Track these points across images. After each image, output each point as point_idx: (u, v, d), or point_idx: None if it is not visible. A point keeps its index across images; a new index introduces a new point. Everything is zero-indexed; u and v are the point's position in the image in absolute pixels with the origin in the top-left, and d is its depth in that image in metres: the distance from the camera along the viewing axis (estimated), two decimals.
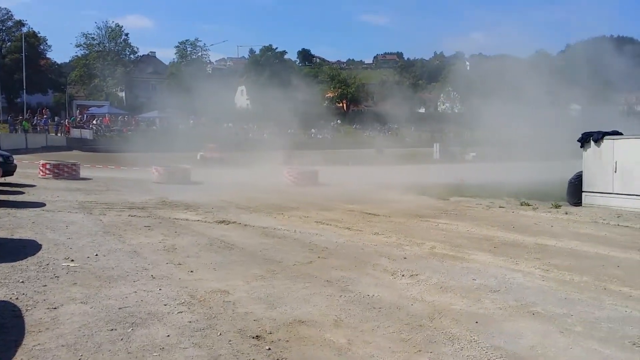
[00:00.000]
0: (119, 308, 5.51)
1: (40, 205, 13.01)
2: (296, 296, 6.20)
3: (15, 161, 18.21)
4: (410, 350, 4.71)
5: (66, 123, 49.21)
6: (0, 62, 58.96)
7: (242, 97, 75.57)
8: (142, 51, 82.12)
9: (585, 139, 15.33)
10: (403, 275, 7.30)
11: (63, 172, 21.06)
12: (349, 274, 7.33)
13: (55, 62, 70.25)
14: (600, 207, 14.64)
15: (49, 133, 45.96)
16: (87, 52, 68.48)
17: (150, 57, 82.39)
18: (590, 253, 9.15)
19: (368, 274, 7.41)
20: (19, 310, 5.35)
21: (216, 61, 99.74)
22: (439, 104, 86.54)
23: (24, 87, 52.96)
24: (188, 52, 75.03)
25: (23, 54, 53.59)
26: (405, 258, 8.45)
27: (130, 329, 4.93)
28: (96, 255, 7.90)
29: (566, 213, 13.94)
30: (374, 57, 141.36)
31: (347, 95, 78.64)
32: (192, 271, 7.20)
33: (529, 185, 18.44)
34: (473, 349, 4.77)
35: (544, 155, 26.54)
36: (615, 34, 78.51)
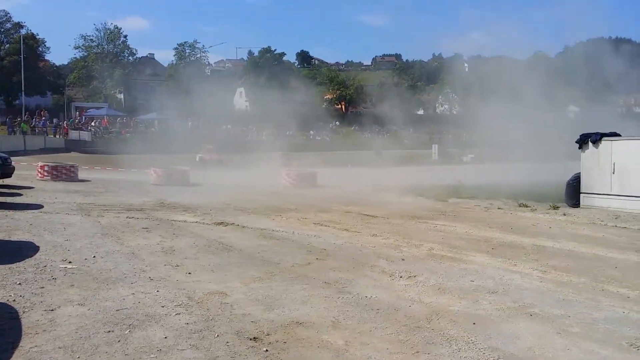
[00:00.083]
0: (117, 310, 5.50)
1: (38, 207, 13.00)
2: (294, 298, 6.20)
3: (13, 163, 18.18)
4: (408, 352, 4.71)
5: (64, 125, 49.14)
6: None
7: (240, 99, 75.56)
8: (141, 53, 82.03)
9: (584, 141, 15.35)
10: (401, 277, 7.30)
11: (61, 173, 21.03)
12: (346, 275, 7.32)
13: (53, 64, 70.34)
14: (598, 208, 14.66)
15: (47, 135, 45.94)
16: (85, 54, 68.48)
17: (149, 59, 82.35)
18: (588, 254, 9.16)
19: (366, 275, 7.41)
20: (16, 312, 5.34)
21: (215, 63, 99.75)
22: (437, 105, 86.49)
23: (23, 89, 52.92)
24: (187, 53, 74.98)
25: (22, 56, 53.51)
26: (403, 259, 8.45)
27: (127, 331, 4.92)
28: (94, 257, 7.89)
29: (564, 214, 13.95)
30: (373, 59, 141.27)
31: (346, 96, 78.61)
32: (189, 273, 7.20)
33: (527, 186, 18.44)
34: (471, 350, 4.77)
35: (542, 156, 26.55)
36: (613, 35, 78.53)
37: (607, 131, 15.15)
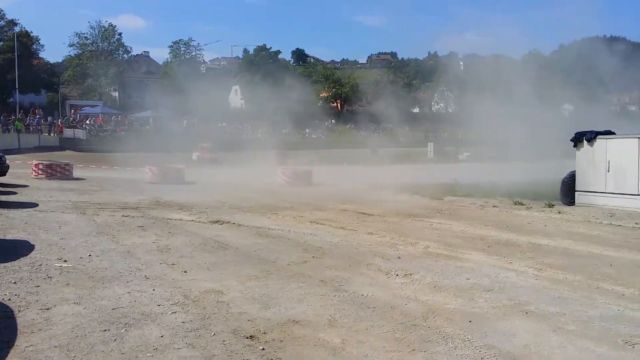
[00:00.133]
0: (112, 309, 5.49)
1: (33, 205, 12.96)
2: (290, 296, 6.20)
3: (7, 161, 18.11)
4: (404, 350, 4.72)
5: (59, 123, 48.94)
6: None
7: (236, 97, 75.48)
8: (136, 51, 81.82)
9: (578, 139, 15.39)
10: (397, 275, 7.31)
11: (56, 172, 20.98)
12: (343, 273, 7.33)
13: (48, 61, 69.90)
14: (593, 206, 14.71)
15: (41, 133, 45.72)
16: (80, 51, 68.18)
17: (144, 57, 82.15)
18: (583, 252, 9.18)
19: (362, 273, 7.42)
20: (11, 311, 5.32)
21: (210, 61, 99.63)
22: (433, 103, 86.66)
23: (17, 87, 52.66)
24: (182, 51, 74.83)
25: (15, 54, 53.21)
26: (399, 257, 8.46)
27: (123, 330, 4.91)
28: (89, 255, 7.87)
29: (559, 212, 14.00)
30: (368, 57, 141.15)
31: (341, 95, 78.65)
32: (185, 271, 7.19)
33: (523, 184, 18.48)
34: (467, 348, 4.77)
35: (538, 154, 26.63)
36: (607, 34, 78.80)
37: (602, 129, 15.20)
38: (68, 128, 47.87)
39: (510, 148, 29.18)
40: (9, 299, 5.66)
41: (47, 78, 65.16)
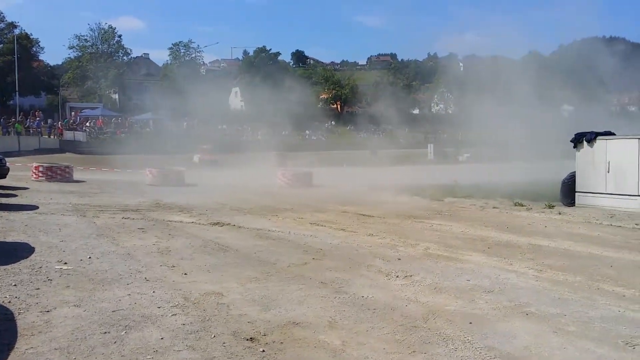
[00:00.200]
0: (113, 311, 5.48)
1: (33, 207, 12.96)
2: (290, 298, 6.20)
3: (7, 164, 18.12)
4: (404, 351, 4.71)
5: (59, 125, 48.91)
6: None
7: (236, 99, 75.51)
8: (136, 53, 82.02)
9: (578, 140, 15.38)
10: (397, 276, 7.31)
11: (56, 174, 20.96)
12: (343, 275, 7.32)
13: (48, 64, 70.10)
14: (593, 207, 14.70)
15: (41, 135, 45.69)
16: (80, 54, 68.35)
17: (144, 59, 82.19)
18: (583, 253, 9.18)
19: (362, 275, 7.41)
20: (12, 313, 5.31)
21: (210, 63, 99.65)
22: (432, 104, 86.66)
23: (17, 89, 52.73)
24: (181, 53, 74.97)
25: (15, 56, 53.27)
26: (399, 259, 8.46)
27: (123, 332, 4.91)
28: (89, 257, 7.87)
29: (559, 213, 13.99)
30: (368, 58, 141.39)
31: (341, 96, 78.68)
32: (185, 273, 7.18)
33: (523, 185, 18.47)
34: (467, 349, 4.77)
35: (537, 155, 26.62)
36: (607, 35, 78.83)
37: (601, 130, 15.19)
38: (68, 130, 47.85)
39: (510, 149, 29.19)
40: (9, 302, 5.66)
41: (47, 80, 65.26)
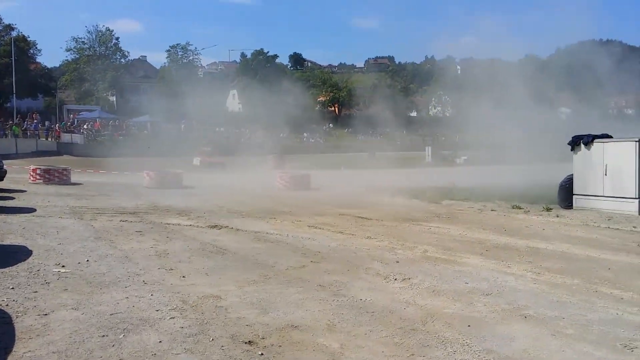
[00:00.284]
0: (111, 314, 5.47)
1: (31, 210, 12.92)
2: (289, 301, 6.19)
3: (5, 166, 18.07)
4: (403, 355, 4.71)
5: (57, 128, 48.81)
6: None
7: (234, 101, 75.50)
8: (133, 55, 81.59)
9: (576, 142, 15.41)
10: (395, 279, 7.31)
11: (54, 177, 20.93)
12: (341, 278, 7.32)
13: (45, 66, 69.76)
14: (591, 210, 14.72)
15: (39, 138, 45.60)
16: (77, 56, 68.19)
17: (141, 61, 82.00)
18: (581, 256, 9.20)
19: (361, 278, 7.41)
20: (9, 316, 5.30)
21: (207, 65, 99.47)
22: (430, 107, 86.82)
23: (14, 92, 52.59)
24: (179, 56, 74.79)
25: (12, 58, 53.13)
26: (397, 262, 8.46)
27: (121, 335, 4.90)
28: (87, 260, 7.85)
29: (557, 216, 14.01)
30: (365, 61, 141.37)
31: (339, 99, 78.74)
32: (184, 276, 7.17)
33: (520, 188, 18.49)
34: (465, 352, 4.78)
35: (535, 158, 26.67)
36: (604, 37, 79.06)
37: (599, 133, 15.22)
38: (65, 133, 47.74)
39: (508, 151, 29.24)
40: (7, 305, 5.65)
41: (45, 83, 65.04)
